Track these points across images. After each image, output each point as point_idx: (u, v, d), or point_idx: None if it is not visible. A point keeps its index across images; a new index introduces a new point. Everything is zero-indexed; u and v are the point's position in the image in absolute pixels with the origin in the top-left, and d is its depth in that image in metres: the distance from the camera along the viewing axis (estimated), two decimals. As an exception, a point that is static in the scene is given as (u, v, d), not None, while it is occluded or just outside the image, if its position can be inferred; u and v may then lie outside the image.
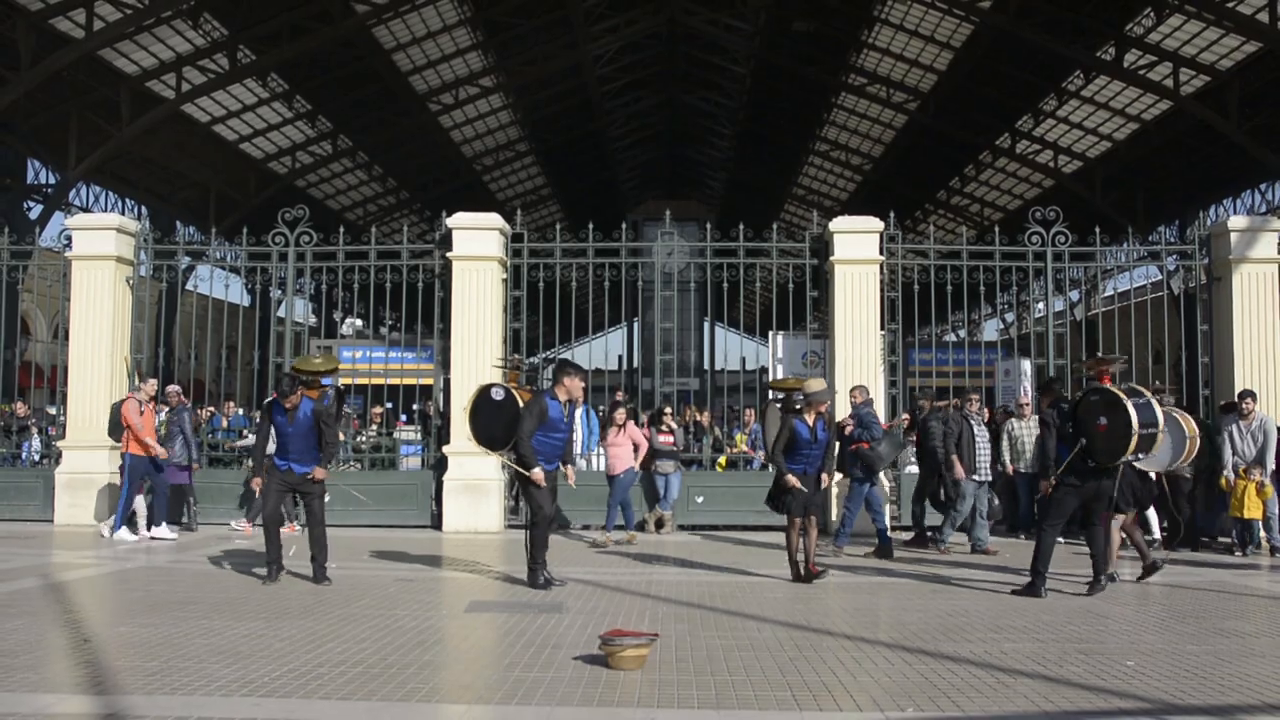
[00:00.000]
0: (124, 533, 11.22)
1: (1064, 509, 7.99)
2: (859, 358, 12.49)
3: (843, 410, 11.29)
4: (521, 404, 8.17)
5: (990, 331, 44.67)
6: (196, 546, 10.63)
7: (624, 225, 14.41)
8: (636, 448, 11.75)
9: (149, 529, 11.40)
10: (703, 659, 5.56)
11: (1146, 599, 7.89)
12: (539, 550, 8.11)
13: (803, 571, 8.45)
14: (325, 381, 8.97)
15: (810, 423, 8.47)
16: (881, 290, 12.78)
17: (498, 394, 8.30)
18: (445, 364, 13.00)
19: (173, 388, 12.64)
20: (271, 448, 8.57)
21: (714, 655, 5.66)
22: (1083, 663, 5.54)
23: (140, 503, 11.52)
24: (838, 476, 10.51)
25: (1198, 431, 8.94)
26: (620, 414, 11.81)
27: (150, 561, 9.76)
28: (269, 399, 9.02)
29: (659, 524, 12.34)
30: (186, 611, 6.92)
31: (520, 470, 8.10)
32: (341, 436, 14.04)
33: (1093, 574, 7.97)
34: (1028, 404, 12.39)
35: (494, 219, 13.08)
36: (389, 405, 14.07)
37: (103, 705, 4.58)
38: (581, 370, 8.54)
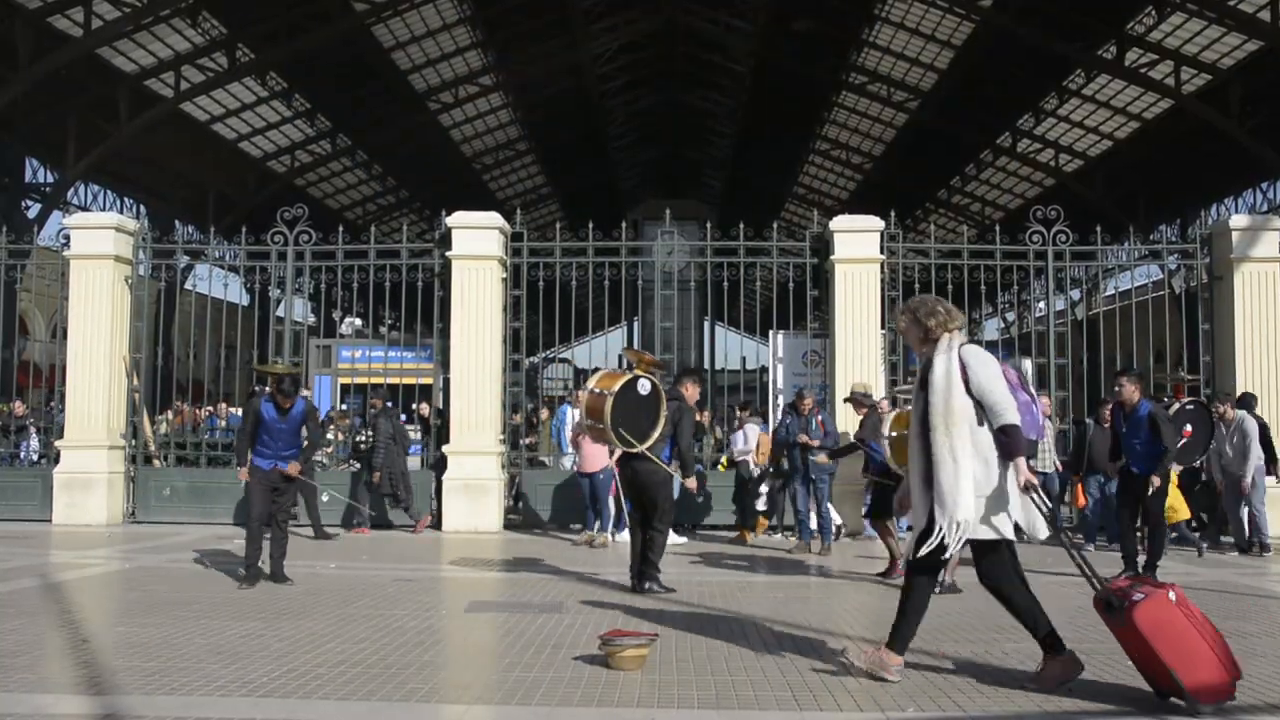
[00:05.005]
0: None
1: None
2: (859, 357, 12.47)
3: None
4: (663, 399, 7.92)
5: (991, 330, 44.67)
6: (195, 547, 10.60)
7: (624, 224, 14.39)
8: None
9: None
10: (703, 659, 5.54)
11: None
12: (657, 554, 7.96)
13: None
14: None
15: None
16: (882, 289, 12.76)
17: (644, 387, 7.84)
18: (445, 363, 12.98)
19: None
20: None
21: (714, 655, 5.64)
22: (1083, 662, 5.51)
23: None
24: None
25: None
26: None
27: (148, 562, 9.75)
28: (257, 394, 8.99)
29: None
30: (185, 611, 6.90)
31: (681, 474, 8.27)
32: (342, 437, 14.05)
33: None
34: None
35: (494, 218, 13.06)
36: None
37: (101, 705, 4.56)
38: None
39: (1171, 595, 4.71)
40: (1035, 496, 4.87)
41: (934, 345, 4.99)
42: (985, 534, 4.84)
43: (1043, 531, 5.00)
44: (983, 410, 4.82)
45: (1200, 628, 4.65)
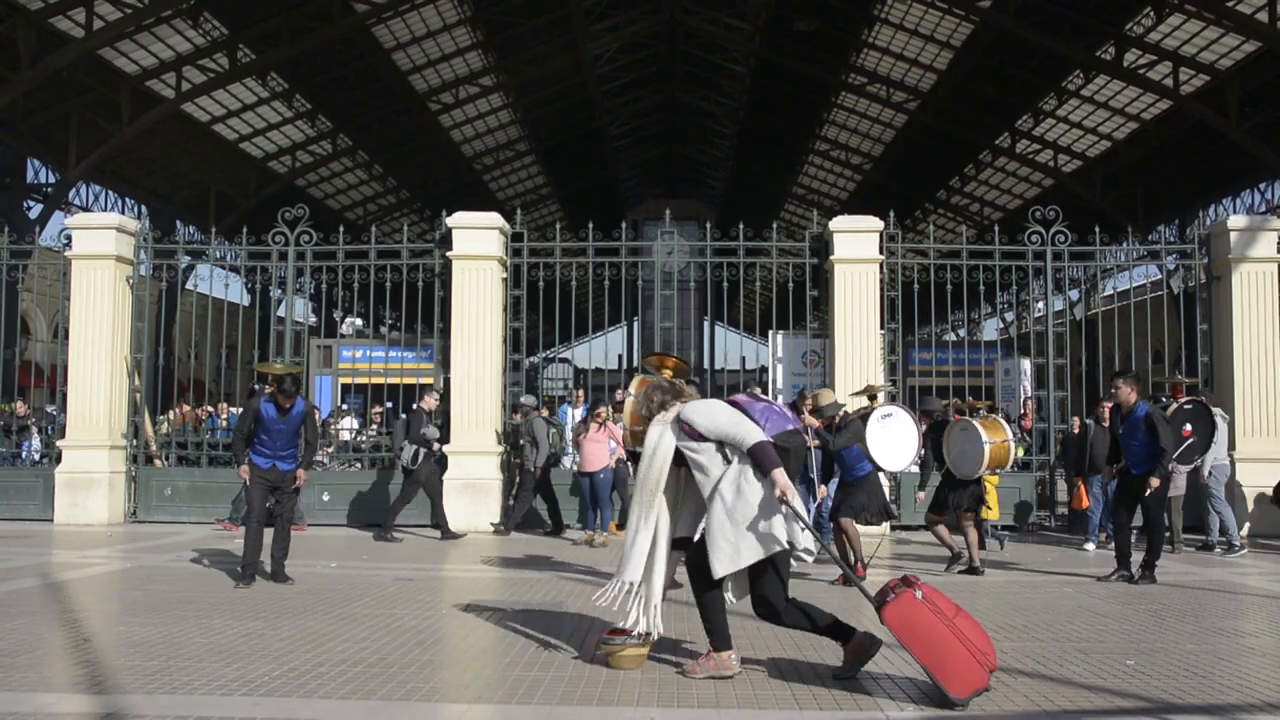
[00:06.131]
0: None
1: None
2: (859, 357, 12.49)
3: None
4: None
5: (990, 331, 44.70)
6: (196, 547, 10.63)
7: (624, 224, 14.41)
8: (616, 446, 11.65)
9: None
10: (702, 658, 5.55)
11: (1146, 598, 7.89)
12: None
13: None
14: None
15: None
16: (881, 289, 12.78)
17: None
18: (445, 363, 13.00)
19: None
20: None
21: (714, 655, 5.65)
22: (1082, 662, 5.55)
23: None
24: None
25: (1008, 437, 8.86)
26: (601, 411, 11.64)
27: (150, 561, 9.76)
28: (256, 393, 9.03)
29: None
30: (186, 611, 6.92)
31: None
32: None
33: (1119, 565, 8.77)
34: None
35: (494, 218, 13.08)
36: (389, 405, 14.07)
37: (102, 705, 4.58)
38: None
39: (918, 594, 4.78)
40: (791, 506, 4.98)
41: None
42: (754, 555, 5.00)
43: (801, 541, 5.06)
44: (724, 450, 5.05)
45: (950, 623, 4.71)
